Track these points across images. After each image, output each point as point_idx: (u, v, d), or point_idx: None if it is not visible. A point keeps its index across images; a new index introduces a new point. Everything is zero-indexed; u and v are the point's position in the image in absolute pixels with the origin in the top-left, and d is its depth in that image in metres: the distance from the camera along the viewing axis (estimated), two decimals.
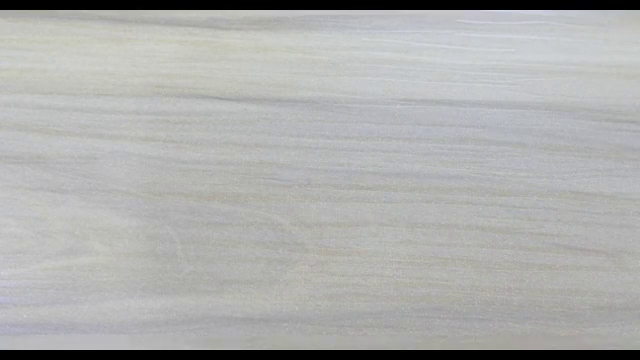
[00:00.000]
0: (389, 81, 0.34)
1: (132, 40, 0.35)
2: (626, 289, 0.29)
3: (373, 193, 0.31)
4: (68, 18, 0.35)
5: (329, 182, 0.31)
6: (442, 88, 0.34)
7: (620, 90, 0.33)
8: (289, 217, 0.30)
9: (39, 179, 0.31)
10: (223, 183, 0.31)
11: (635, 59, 0.34)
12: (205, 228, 0.31)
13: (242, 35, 0.35)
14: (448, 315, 0.29)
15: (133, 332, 0.29)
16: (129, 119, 0.33)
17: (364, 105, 0.33)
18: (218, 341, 0.28)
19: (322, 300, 0.29)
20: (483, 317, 0.29)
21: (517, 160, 0.32)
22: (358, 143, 0.32)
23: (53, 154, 0.32)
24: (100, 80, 0.34)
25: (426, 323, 0.29)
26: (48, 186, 0.31)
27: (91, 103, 0.33)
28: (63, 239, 0.31)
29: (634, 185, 0.31)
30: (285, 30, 0.35)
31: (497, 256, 0.30)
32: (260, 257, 0.29)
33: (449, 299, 0.29)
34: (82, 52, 0.35)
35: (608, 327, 0.29)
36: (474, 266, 0.30)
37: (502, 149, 0.32)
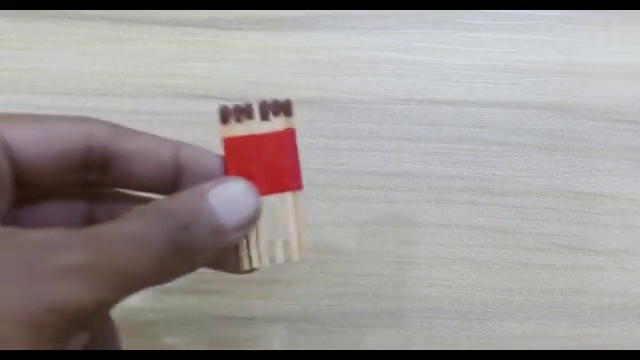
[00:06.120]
0: (389, 81, 0.34)
1: (132, 40, 0.35)
2: (626, 289, 0.29)
3: (373, 193, 0.31)
4: (68, 18, 0.35)
5: (329, 182, 0.31)
6: (442, 88, 0.34)
7: (620, 90, 0.33)
8: None
9: None
10: None
11: (635, 59, 0.34)
12: None
13: (242, 35, 0.35)
14: (448, 315, 0.29)
15: (133, 332, 0.29)
16: (129, 119, 0.33)
17: (364, 105, 0.33)
18: (218, 341, 0.28)
19: (322, 300, 0.29)
20: (483, 317, 0.29)
21: (517, 160, 0.32)
22: (358, 143, 0.32)
23: None
24: (100, 80, 0.34)
25: (426, 323, 0.29)
26: None
27: (91, 103, 0.33)
28: None
29: (634, 185, 0.31)
30: (285, 30, 0.35)
31: (497, 256, 0.30)
32: None
33: (449, 299, 0.29)
34: (82, 52, 0.35)
35: (608, 327, 0.29)
36: (474, 266, 0.30)
37: (502, 149, 0.32)
